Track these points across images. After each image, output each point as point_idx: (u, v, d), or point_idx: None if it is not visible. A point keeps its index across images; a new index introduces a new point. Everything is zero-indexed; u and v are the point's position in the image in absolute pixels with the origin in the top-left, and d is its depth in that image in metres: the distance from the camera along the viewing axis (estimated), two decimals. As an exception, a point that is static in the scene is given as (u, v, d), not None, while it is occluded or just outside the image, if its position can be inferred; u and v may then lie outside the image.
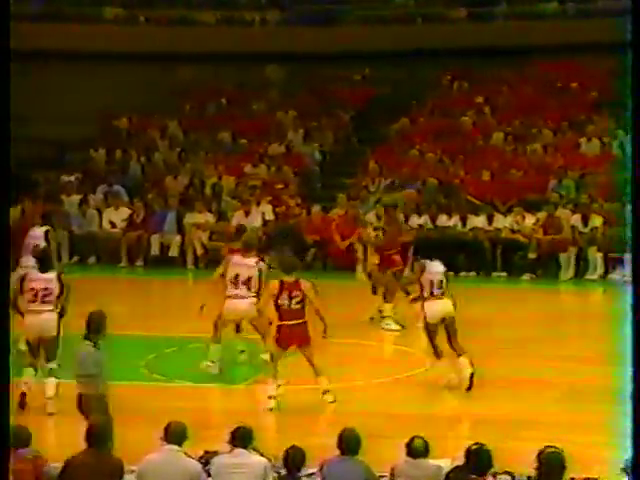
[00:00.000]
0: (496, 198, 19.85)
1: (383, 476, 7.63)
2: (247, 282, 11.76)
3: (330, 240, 19.00)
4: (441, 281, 11.72)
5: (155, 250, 19.94)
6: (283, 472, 7.48)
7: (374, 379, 12.17)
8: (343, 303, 15.10)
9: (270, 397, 10.81)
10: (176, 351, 13.32)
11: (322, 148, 22.75)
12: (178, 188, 21.33)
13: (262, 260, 12.20)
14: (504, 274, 18.81)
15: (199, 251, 19.88)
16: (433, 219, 19.54)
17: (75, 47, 22.62)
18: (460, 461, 7.29)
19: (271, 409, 10.75)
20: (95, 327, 9.09)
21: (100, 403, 8.84)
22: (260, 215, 19.93)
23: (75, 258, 20.07)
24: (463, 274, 18.52)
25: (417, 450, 7.38)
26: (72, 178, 21.67)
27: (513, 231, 19.13)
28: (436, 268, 11.78)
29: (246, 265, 11.85)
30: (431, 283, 11.64)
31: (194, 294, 16.22)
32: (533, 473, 6.99)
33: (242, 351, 12.59)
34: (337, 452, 7.45)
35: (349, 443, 7.43)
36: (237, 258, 11.97)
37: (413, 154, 21.66)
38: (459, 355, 11.48)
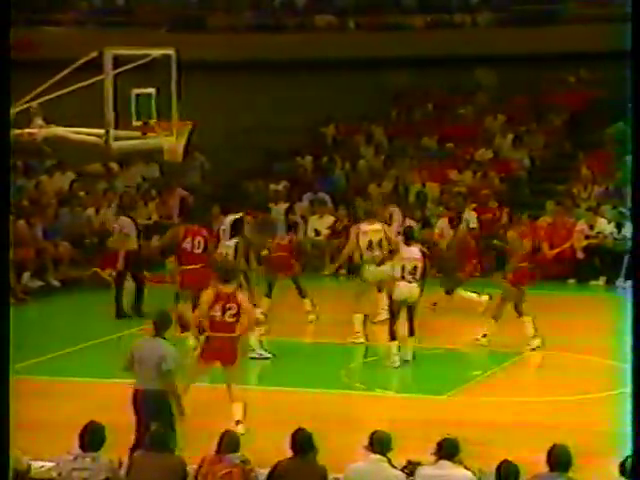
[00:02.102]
0: None
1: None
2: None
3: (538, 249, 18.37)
4: (415, 267, 12.49)
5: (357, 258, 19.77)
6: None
7: (588, 394, 11.78)
8: (556, 314, 14.84)
9: (238, 422, 9.85)
10: (377, 360, 13.22)
11: (532, 153, 22.12)
12: (382, 195, 21.18)
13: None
14: None
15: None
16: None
17: (284, 56, 22.79)
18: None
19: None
20: (165, 325, 9.26)
21: (165, 403, 8.91)
22: (464, 222, 19.46)
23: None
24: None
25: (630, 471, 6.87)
26: (279, 187, 21.88)
27: None
28: (410, 254, 12.56)
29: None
30: (403, 268, 12.48)
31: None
32: None
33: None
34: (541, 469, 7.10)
35: (561, 460, 7.04)
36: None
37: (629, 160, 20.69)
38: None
